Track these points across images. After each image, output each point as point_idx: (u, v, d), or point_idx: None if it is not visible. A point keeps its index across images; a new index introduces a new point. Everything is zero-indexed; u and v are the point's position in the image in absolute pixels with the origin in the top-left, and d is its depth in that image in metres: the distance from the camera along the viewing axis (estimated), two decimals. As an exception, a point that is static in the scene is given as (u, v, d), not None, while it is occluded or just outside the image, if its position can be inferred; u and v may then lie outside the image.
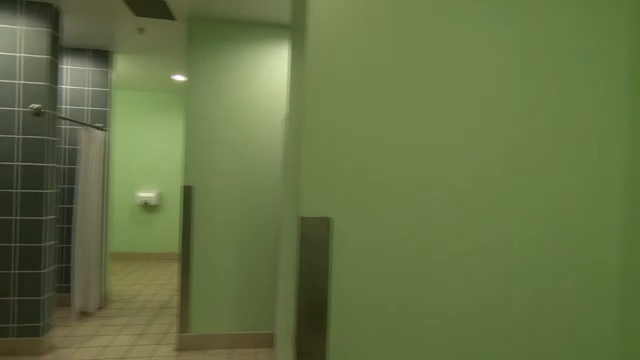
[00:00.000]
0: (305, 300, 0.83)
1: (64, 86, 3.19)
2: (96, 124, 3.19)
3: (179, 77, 4.05)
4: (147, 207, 4.89)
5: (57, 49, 2.44)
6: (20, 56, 2.32)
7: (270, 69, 2.56)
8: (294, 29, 1.24)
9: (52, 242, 2.47)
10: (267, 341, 2.58)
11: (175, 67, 3.72)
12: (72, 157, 3.18)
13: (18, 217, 2.34)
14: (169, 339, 2.67)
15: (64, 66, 3.19)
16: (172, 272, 4.41)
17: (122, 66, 3.71)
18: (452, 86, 0.87)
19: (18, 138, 2.33)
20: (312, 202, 0.83)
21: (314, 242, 0.83)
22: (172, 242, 4.96)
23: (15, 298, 2.35)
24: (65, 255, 3.20)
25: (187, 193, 2.49)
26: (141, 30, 2.74)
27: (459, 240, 0.87)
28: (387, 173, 0.85)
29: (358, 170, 0.84)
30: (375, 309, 0.85)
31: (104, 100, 3.25)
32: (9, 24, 2.31)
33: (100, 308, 3.20)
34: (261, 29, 2.55)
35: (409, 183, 0.86)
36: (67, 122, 3.18)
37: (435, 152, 0.87)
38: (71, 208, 3.18)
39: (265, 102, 2.56)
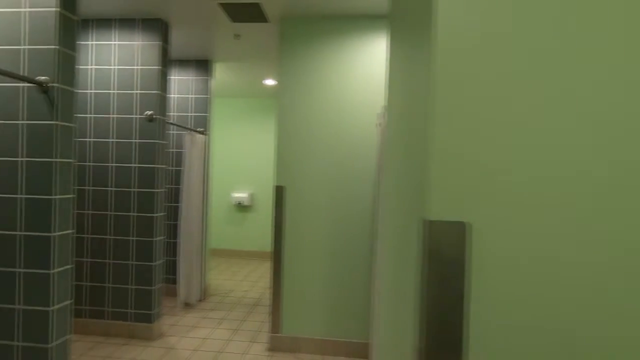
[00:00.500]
0: (434, 324, 0.66)
1: (171, 95, 3.51)
2: (198, 129, 3.44)
3: (270, 82, 4.18)
4: (241, 207, 5.17)
5: (167, 60, 2.66)
6: (137, 69, 2.58)
7: (364, 63, 2.43)
8: (395, 18, 1.08)
9: (162, 238, 2.69)
10: (360, 351, 2.44)
11: (266, 72, 3.83)
12: (178, 159, 3.47)
13: (135, 214, 2.60)
14: (261, 337, 2.71)
15: (172, 77, 3.50)
16: (263, 270, 4.57)
17: (219, 74, 3.96)
18: (613, 80, 0.62)
19: (135, 142, 2.59)
20: (444, 203, 0.66)
21: (446, 251, 0.66)
22: (263, 241, 5.16)
23: (133, 287, 2.61)
24: (171, 249, 3.50)
25: (279, 193, 2.50)
26: (237, 36, 2.85)
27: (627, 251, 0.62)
28: (534, 172, 0.64)
29: (498, 164, 0.65)
30: (529, 335, 0.65)
31: (204, 106, 3.49)
32: (129, 41, 2.58)
33: (200, 300, 3.42)
34: (353, 21, 2.44)
35: (561, 184, 0.63)
36: (174, 127, 3.48)
37: (591, 153, 0.63)
38: (176, 206, 3.46)
39: (359, 98, 2.44)
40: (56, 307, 1.74)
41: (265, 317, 3.09)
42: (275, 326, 2.51)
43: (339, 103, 2.45)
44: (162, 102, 2.63)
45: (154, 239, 2.60)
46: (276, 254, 2.50)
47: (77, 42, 2.66)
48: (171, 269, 3.51)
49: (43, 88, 1.70)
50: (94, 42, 2.62)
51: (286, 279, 2.50)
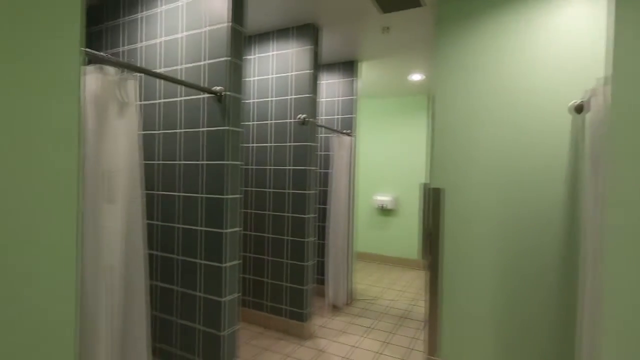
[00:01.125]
0: None
1: (320, 100, 3.61)
2: (344, 130, 3.42)
3: (416, 77, 3.89)
4: (384, 210, 5.00)
5: (317, 63, 2.70)
6: (291, 75, 2.69)
7: (549, 35, 1.92)
8: None
9: (313, 239, 2.73)
10: (544, 398, 1.92)
11: (414, 66, 3.57)
12: (326, 162, 3.53)
13: (289, 215, 2.71)
14: (414, 357, 2.45)
15: (320, 82, 3.60)
16: (408, 279, 4.28)
17: (364, 74, 3.90)
18: None
19: (289, 145, 2.70)
20: None
21: None
22: (407, 247, 4.88)
23: (287, 284, 2.72)
24: (321, 250, 3.58)
25: (436, 196, 2.20)
26: (385, 29, 2.69)
27: None
28: None
29: None
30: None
31: (350, 107, 3.46)
32: (285, 49, 2.72)
33: (346, 304, 3.38)
34: (531, -16, 1.96)
35: None
36: (322, 130, 3.56)
37: None
38: (324, 208, 3.52)
39: (540, 79, 1.94)
40: (227, 298, 1.88)
41: (416, 333, 2.81)
42: (432, 347, 2.21)
43: (513, 88, 2.00)
44: (313, 104, 2.67)
45: (306, 239, 2.65)
46: (432, 265, 2.20)
47: (243, 57, 2.99)
48: (321, 269, 3.58)
49: (218, 97, 1.86)
50: (256, 56, 2.86)
51: (446, 294, 2.17)
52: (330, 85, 3.56)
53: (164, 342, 2.08)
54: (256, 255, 2.87)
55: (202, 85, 1.90)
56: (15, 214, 0.78)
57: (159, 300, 2.09)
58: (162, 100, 2.08)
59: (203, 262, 1.92)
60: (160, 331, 2.09)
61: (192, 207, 1.97)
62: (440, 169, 2.19)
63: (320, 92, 3.61)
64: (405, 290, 3.85)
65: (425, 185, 4.71)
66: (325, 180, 3.54)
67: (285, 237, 2.73)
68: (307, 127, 2.63)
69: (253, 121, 2.87)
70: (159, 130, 2.09)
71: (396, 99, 4.97)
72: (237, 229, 1.94)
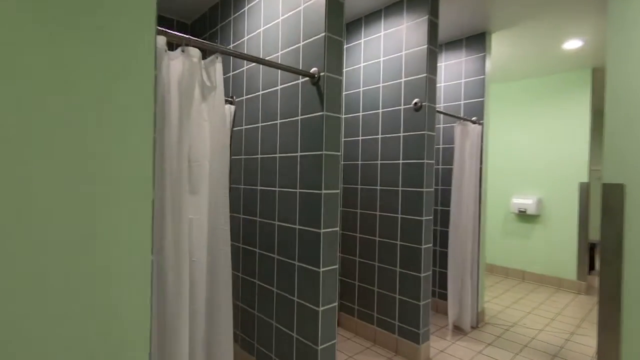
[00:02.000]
0: None
1: (439, 85, 3.11)
2: (471, 118, 2.86)
3: (574, 43, 3.02)
4: (524, 216, 4.11)
5: (435, 36, 2.26)
6: (403, 54, 2.33)
7: None
8: None
9: (429, 245, 2.30)
10: None
11: (569, 30, 2.75)
12: (446, 157, 3.01)
13: (401, 216, 2.34)
14: (575, 416, 1.78)
15: (439, 64, 3.10)
16: (561, 305, 3.37)
17: (496, 51, 3.22)
18: None
19: (401, 136, 2.34)
20: None
21: None
22: (556, 263, 3.89)
23: (399, 296, 2.36)
24: (442, 260, 3.08)
25: (612, 195, 1.53)
26: (527, -20, 2.08)
27: None
28: None
29: None
30: None
31: (478, 90, 2.87)
32: (395, 26, 2.37)
33: (474, 327, 2.79)
34: None
35: None
36: (442, 119, 3.05)
37: None
38: (445, 210, 3.01)
39: None
40: (324, 307, 1.64)
41: (575, 380, 2.09)
42: (606, 412, 1.54)
43: None
44: (430, 86, 2.25)
45: (422, 246, 2.24)
46: (605, 287, 1.54)
47: (349, 44, 2.76)
48: (442, 282, 3.08)
49: (313, 79, 1.65)
50: (363, 40, 2.59)
51: (628, 331, 1.48)
52: (452, 67, 3.03)
53: (263, 346, 1.97)
54: (364, 261, 2.59)
55: (299, 68, 1.72)
56: (88, 205, 0.71)
57: (258, 299, 2.00)
58: (262, 92, 1.99)
59: (299, 264, 1.74)
60: (259, 332, 2.00)
61: (288, 203, 1.81)
62: (617, 158, 1.52)
63: (439, 75, 3.11)
64: (555, 319, 3.01)
65: (584, 183, 3.64)
66: (446, 177, 3.03)
67: (397, 242, 2.37)
68: (423, 113, 2.22)
69: (361, 112, 2.61)
70: (261, 123, 2.01)
71: (539, 80, 4.03)
72: (335, 229, 1.69)
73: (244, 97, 2.15)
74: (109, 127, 0.74)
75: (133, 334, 0.77)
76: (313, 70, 1.64)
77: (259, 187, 2.02)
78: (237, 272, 2.19)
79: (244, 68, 2.14)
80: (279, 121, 1.87)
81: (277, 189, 1.89)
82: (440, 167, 3.06)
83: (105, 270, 0.74)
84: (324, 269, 1.64)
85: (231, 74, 2.27)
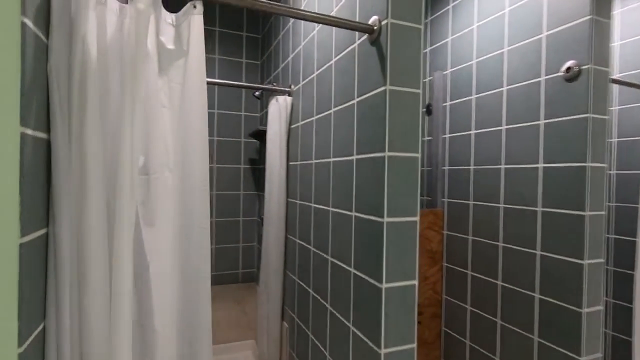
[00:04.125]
0: None
1: (613, 43, 2.00)
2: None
3: None
4: None
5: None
6: (544, -6, 1.45)
7: None
8: None
9: (597, 308, 1.35)
10: None
11: None
12: (629, 157, 1.89)
13: (541, 253, 1.45)
14: None
15: (615, 11, 1.99)
16: None
17: None
18: None
19: (541, 125, 1.46)
20: None
21: None
22: None
23: None
24: (615, 318, 1.95)
25: None
26: None
27: None
28: None
29: None
30: None
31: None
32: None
33: None
34: None
35: None
36: (617, 97, 1.93)
37: None
38: (623, 241, 1.88)
39: None
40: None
41: None
42: None
43: None
44: (598, 36, 1.32)
45: (583, 309, 1.32)
46: None
47: (454, 2, 1.98)
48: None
49: (372, 36, 1.02)
50: (479, -11, 1.78)
51: None
52: (637, 14, 1.90)
53: None
54: (478, 312, 1.75)
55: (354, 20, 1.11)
56: None
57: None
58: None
59: (353, 328, 1.11)
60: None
61: (342, 233, 1.20)
62: None
63: (612, 27, 2.00)
64: None
65: None
66: (628, 190, 1.90)
67: (534, 294, 1.49)
68: (584, 83, 1.31)
69: (474, 94, 1.80)
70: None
71: None
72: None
73: (301, 84, 1.64)
74: None
75: None
76: (373, 20, 1.01)
77: (312, 204, 1.47)
78: (293, 314, 1.68)
79: (301, 46, 1.63)
80: (332, 110, 1.29)
81: (330, 208, 1.30)
82: (614, 172, 1.95)
83: None
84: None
85: (291, 57, 1.79)
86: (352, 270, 1.13)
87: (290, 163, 1.73)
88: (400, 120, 0.96)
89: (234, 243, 2.38)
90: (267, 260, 1.75)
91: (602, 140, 1.32)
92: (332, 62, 1.30)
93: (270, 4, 0.88)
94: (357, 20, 1.08)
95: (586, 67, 1.30)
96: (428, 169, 2.13)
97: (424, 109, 2.19)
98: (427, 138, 2.16)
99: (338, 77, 1.25)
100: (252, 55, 2.44)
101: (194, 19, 0.82)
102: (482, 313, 1.73)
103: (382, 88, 0.97)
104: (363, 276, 1.06)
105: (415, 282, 1.01)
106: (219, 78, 2.33)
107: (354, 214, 1.12)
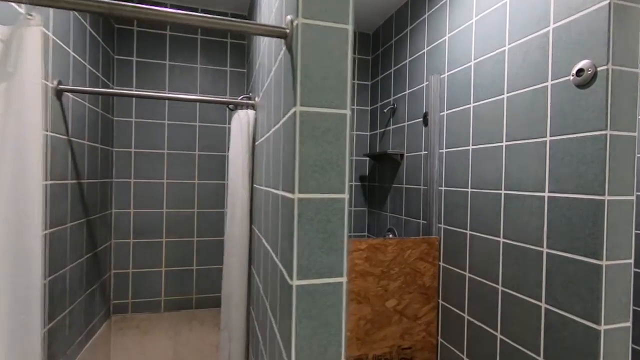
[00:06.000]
0: None
1: None
2: None
3: None
4: None
5: None
6: (551, -25, 1.14)
7: None
8: None
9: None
10: None
11: None
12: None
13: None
14: None
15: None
16: None
17: None
18: None
19: (546, 142, 1.15)
20: None
21: None
22: None
23: None
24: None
25: None
26: None
27: None
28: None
29: None
30: None
31: None
32: None
33: None
34: None
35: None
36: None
37: None
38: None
39: None
40: None
41: None
42: None
43: None
44: (620, 25, 0.99)
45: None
46: None
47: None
48: None
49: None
50: (478, -24, 1.48)
51: None
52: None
53: None
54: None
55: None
56: None
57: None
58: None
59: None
60: None
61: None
62: None
63: None
64: None
65: None
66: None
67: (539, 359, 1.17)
68: (598, 90, 0.99)
69: (472, 102, 1.50)
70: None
71: None
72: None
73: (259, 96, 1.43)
74: None
75: None
76: (286, 20, 0.79)
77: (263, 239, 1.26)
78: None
79: (263, 52, 1.43)
80: (272, 129, 1.07)
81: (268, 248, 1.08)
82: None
83: None
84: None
85: (258, 64, 1.59)
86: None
87: (255, 185, 1.53)
88: (313, 153, 0.73)
89: (217, 264, 2.22)
90: (229, 290, 1.56)
91: (627, 163, 0.99)
92: (272, 72, 1.09)
93: (113, 3, 0.69)
94: (272, 23, 0.86)
95: (603, 68, 0.98)
96: (424, 188, 1.84)
97: (422, 120, 1.90)
98: (423, 152, 1.87)
99: (276, 90, 1.04)
100: (237, 63, 2.28)
101: (28, 32, 0.65)
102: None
103: (292, 109, 0.74)
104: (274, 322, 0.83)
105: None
106: (200, 89, 2.20)
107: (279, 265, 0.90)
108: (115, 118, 2.09)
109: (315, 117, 0.74)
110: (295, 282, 0.72)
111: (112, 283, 2.08)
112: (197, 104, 2.19)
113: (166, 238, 2.17)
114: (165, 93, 2.08)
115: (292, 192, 0.72)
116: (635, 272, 1.44)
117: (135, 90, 1.99)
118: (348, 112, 0.76)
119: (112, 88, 2.05)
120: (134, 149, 2.12)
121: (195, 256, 2.20)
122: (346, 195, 0.76)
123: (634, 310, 1.44)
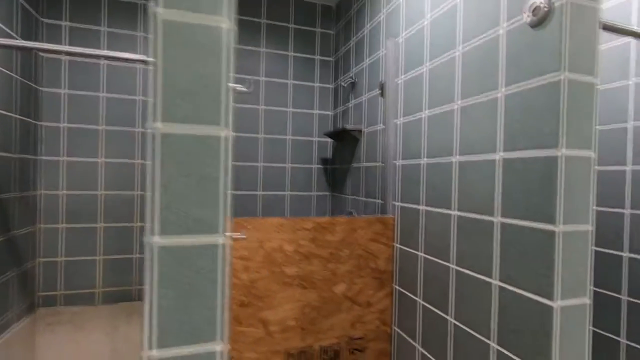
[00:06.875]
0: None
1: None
2: None
3: None
4: None
5: None
6: None
7: None
8: None
9: None
10: None
11: None
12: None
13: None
14: None
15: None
16: None
17: None
18: None
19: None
20: None
21: None
22: None
23: None
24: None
25: None
26: None
27: None
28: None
29: None
30: None
31: None
32: None
33: None
34: None
35: None
36: None
37: None
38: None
39: None
40: None
41: None
42: None
43: None
44: (576, -45, 0.86)
45: None
46: None
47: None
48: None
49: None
50: None
51: None
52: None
53: None
54: (431, 355, 1.30)
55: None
56: None
57: None
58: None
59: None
60: None
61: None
62: None
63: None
64: None
65: None
66: (644, 191, 1.39)
67: (490, 343, 1.03)
68: (554, 29, 0.85)
69: (424, 64, 1.35)
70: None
71: None
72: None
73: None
74: None
75: None
76: None
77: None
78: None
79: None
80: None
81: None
82: (630, 168, 1.43)
83: None
84: None
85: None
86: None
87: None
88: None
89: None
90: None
91: (586, 113, 0.86)
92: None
93: None
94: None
95: (559, 2, 0.83)
96: (381, 165, 1.69)
97: (378, 90, 1.75)
98: (379, 126, 1.72)
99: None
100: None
101: None
102: (430, 357, 1.28)
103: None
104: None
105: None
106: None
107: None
108: (43, 89, 1.87)
109: (183, 27, 0.57)
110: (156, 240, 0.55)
111: (39, 273, 1.87)
112: (138, 70, 1.99)
113: (103, 223, 1.96)
114: (101, 51, 1.87)
115: (155, 120, 0.55)
116: (611, 254, 1.32)
117: (64, 47, 1.76)
118: (226, 21, 0.59)
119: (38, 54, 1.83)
120: (65, 123, 1.91)
121: (136, 244, 2.00)
122: (223, 131, 0.59)
123: (602, 294, 1.32)
